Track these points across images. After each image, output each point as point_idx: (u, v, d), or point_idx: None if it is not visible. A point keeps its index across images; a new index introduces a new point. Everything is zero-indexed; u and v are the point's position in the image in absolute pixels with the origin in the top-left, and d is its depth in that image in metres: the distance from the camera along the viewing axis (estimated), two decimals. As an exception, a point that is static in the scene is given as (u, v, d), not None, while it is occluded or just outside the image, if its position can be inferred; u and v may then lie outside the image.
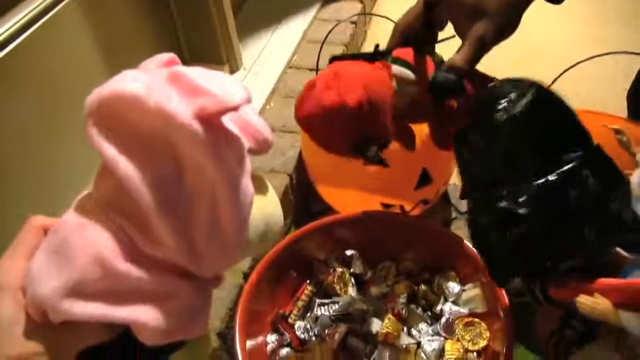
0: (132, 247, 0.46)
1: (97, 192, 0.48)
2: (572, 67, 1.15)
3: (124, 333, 0.48)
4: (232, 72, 1.76)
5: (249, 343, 1.06)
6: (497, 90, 0.76)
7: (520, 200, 0.71)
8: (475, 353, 1.09)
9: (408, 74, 0.87)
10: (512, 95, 0.74)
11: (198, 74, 0.44)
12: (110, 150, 0.44)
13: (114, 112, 0.44)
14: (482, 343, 1.09)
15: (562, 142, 0.72)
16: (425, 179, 1.28)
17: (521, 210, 0.70)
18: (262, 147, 0.49)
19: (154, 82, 0.43)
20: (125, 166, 0.43)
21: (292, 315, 1.19)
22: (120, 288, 0.46)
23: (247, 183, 0.47)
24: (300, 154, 1.51)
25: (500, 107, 0.73)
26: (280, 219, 0.55)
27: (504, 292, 1.04)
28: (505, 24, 0.81)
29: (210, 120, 0.43)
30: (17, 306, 0.47)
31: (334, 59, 0.88)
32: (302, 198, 1.58)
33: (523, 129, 0.73)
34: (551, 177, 0.70)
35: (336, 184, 1.39)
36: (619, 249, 0.72)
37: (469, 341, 1.10)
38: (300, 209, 1.58)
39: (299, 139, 1.52)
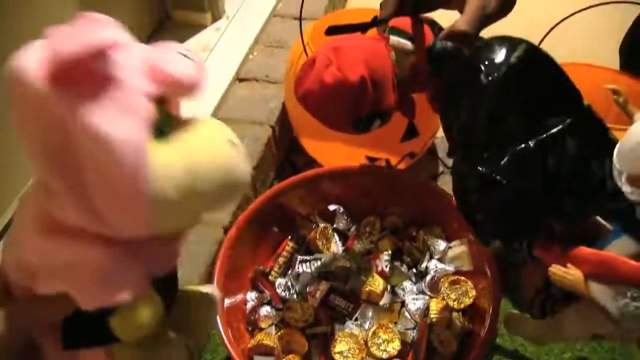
0: (50, 218, 0.46)
1: None
2: (564, 19, 1.11)
3: None
4: (214, 20, 1.71)
5: (228, 301, 1.04)
6: (482, 50, 0.73)
7: (501, 164, 0.69)
8: (460, 312, 1.07)
9: (406, 43, 0.84)
10: (498, 55, 0.70)
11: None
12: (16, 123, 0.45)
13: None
14: (468, 302, 1.07)
15: (548, 105, 0.70)
16: (411, 131, 1.24)
17: (499, 177, 0.69)
18: (173, 89, 0.48)
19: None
20: (23, 138, 0.45)
21: (272, 272, 1.16)
22: (39, 261, 0.47)
23: (127, 128, 0.44)
24: (283, 105, 1.46)
25: (483, 68, 0.70)
26: (218, 171, 0.49)
27: (491, 249, 1.01)
28: None
29: (66, 73, 0.42)
30: None
31: (330, 30, 0.86)
32: (285, 151, 1.55)
33: (508, 92, 0.70)
34: (530, 144, 0.68)
35: (320, 137, 1.35)
36: (599, 219, 0.71)
37: (454, 300, 1.07)
38: (283, 162, 1.54)
39: (282, 90, 1.48)
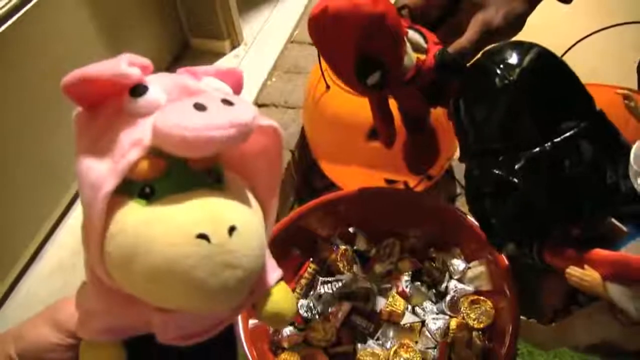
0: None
1: None
2: (579, 41, 1.13)
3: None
4: (232, 47, 1.75)
5: (252, 321, 1.05)
6: (495, 54, 0.73)
7: (516, 167, 0.70)
8: (480, 332, 1.08)
9: (420, 40, 0.84)
10: (511, 59, 0.71)
11: None
12: None
13: None
14: (488, 321, 1.07)
15: (561, 109, 0.70)
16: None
17: (515, 179, 0.70)
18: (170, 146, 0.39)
19: None
20: None
21: (295, 293, 1.18)
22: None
23: (98, 172, 0.39)
24: (302, 130, 1.49)
25: (497, 71, 0.71)
26: (158, 259, 0.39)
27: (509, 269, 1.03)
28: (510, 12, 0.81)
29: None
30: None
31: None
32: (304, 175, 1.57)
33: (521, 96, 0.70)
34: (546, 146, 0.69)
35: (339, 161, 1.37)
36: (614, 221, 0.71)
37: (474, 320, 1.08)
38: (303, 186, 1.56)
39: (301, 115, 1.50)
